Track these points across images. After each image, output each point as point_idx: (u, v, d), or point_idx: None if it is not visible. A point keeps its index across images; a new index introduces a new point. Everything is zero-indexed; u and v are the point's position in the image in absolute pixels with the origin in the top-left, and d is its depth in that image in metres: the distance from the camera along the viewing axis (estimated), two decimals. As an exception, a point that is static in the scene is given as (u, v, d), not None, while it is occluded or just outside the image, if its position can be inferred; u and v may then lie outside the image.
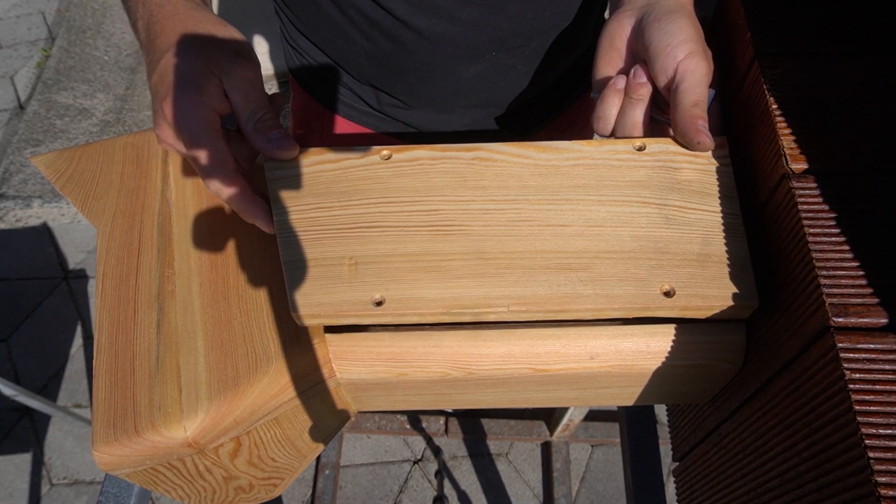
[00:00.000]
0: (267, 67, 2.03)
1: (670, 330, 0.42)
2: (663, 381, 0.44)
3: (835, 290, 0.33)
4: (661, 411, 1.44)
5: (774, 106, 0.40)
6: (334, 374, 0.44)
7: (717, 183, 0.43)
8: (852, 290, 0.33)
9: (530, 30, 0.60)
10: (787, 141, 0.39)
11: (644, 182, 0.43)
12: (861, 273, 0.33)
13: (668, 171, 0.44)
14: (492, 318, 0.41)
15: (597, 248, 0.41)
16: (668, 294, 0.39)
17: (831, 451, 0.31)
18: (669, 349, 0.42)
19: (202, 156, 0.42)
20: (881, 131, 0.39)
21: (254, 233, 0.46)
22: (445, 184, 0.44)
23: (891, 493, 0.27)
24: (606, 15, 0.53)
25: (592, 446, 1.63)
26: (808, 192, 0.36)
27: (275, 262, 0.45)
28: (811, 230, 0.35)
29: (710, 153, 0.44)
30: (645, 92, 0.45)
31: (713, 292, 0.39)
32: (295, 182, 0.45)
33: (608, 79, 0.47)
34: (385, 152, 0.46)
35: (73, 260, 1.90)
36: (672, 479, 0.68)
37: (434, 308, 0.40)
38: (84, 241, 1.93)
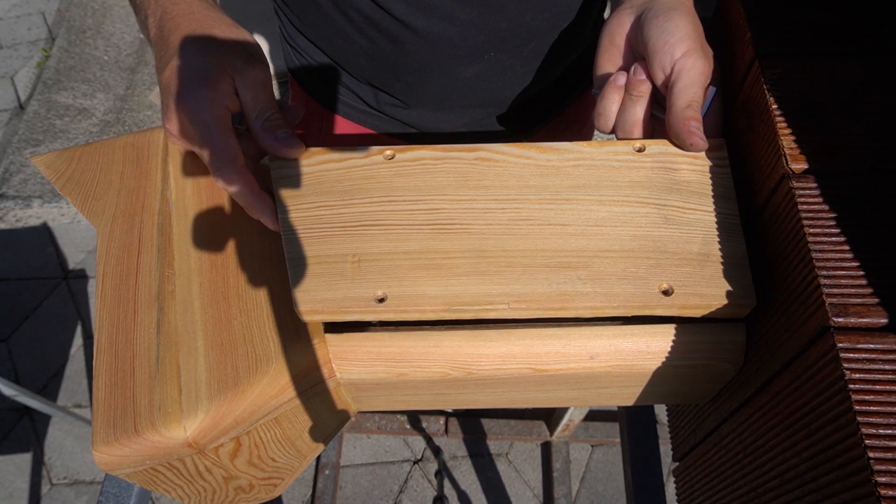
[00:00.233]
0: (267, 67, 2.03)
1: (670, 330, 0.42)
2: (663, 381, 0.44)
3: (835, 290, 0.33)
4: (661, 411, 1.44)
5: (774, 106, 0.40)
6: (334, 374, 0.44)
7: (716, 184, 0.43)
8: (852, 290, 0.33)
9: (529, 30, 0.60)
10: (787, 141, 0.39)
11: (643, 182, 0.43)
12: (861, 273, 0.33)
13: (667, 172, 0.44)
14: (492, 315, 0.41)
15: (596, 247, 0.41)
16: (666, 293, 0.39)
17: (831, 451, 0.31)
18: (669, 349, 0.42)
19: (213, 149, 0.43)
20: (881, 131, 0.39)
21: (254, 232, 0.46)
22: (447, 183, 0.44)
23: (891, 493, 0.27)
24: (606, 14, 0.53)
25: (592, 446, 1.63)
26: (808, 192, 0.36)
27: (275, 262, 0.45)
28: (811, 230, 0.35)
29: (708, 155, 0.44)
30: (645, 89, 0.45)
31: (711, 291, 0.39)
32: (299, 181, 0.45)
33: (608, 75, 0.47)
34: (388, 152, 0.46)
35: (73, 260, 1.90)
36: (672, 479, 0.68)
37: (435, 305, 0.40)
38: (84, 241, 1.93)
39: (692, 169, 0.44)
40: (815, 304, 0.33)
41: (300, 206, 0.44)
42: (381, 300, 0.40)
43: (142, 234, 0.47)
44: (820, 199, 0.36)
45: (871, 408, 0.29)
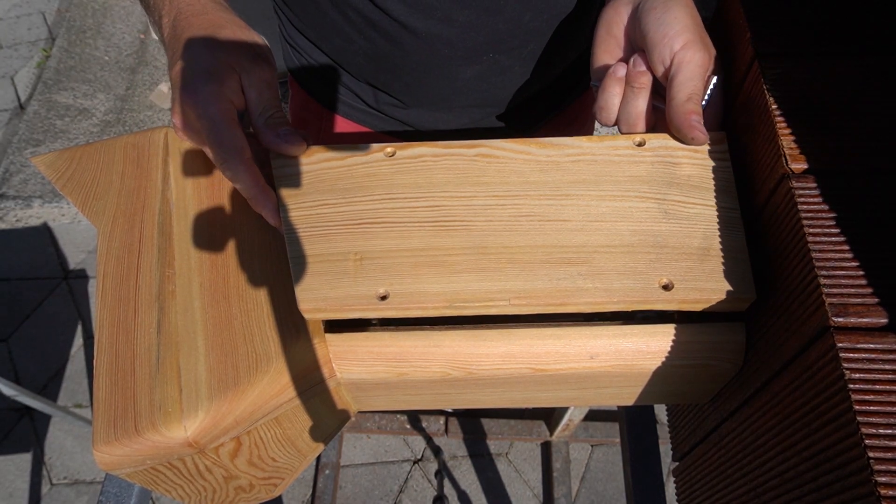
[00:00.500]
0: (267, 67, 2.03)
1: (670, 330, 0.42)
2: (663, 380, 0.44)
3: (835, 290, 0.33)
4: (661, 411, 1.44)
5: (774, 106, 0.40)
6: (334, 373, 0.44)
7: (716, 178, 0.43)
8: (852, 290, 0.33)
9: (528, 32, 0.60)
10: (787, 141, 0.39)
11: (643, 177, 0.43)
12: (861, 273, 0.33)
13: (668, 167, 0.44)
14: (493, 311, 0.41)
15: (596, 242, 0.41)
16: (666, 287, 0.40)
17: (831, 450, 0.31)
18: (669, 349, 0.42)
19: (220, 142, 0.44)
20: (881, 131, 0.39)
21: (254, 232, 0.46)
22: (448, 180, 0.45)
23: (891, 493, 0.27)
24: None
25: (592, 446, 1.63)
26: (808, 192, 0.36)
27: (275, 262, 0.45)
28: (811, 230, 0.35)
29: (709, 149, 0.44)
30: (646, 80, 0.45)
31: (711, 285, 0.39)
32: (301, 178, 0.45)
33: (607, 67, 0.47)
34: (389, 150, 0.46)
35: (73, 260, 1.90)
36: (672, 479, 0.68)
37: (437, 302, 0.40)
38: (84, 241, 1.93)
39: (692, 163, 0.44)
40: (815, 304, 0.33)
41: (302, 205, 0.44)
42: (384, 298, 0.40)
43: (142, 234, 0.47)
44: (820, 199, 0.36)
45: (871, 408, 0.29)
